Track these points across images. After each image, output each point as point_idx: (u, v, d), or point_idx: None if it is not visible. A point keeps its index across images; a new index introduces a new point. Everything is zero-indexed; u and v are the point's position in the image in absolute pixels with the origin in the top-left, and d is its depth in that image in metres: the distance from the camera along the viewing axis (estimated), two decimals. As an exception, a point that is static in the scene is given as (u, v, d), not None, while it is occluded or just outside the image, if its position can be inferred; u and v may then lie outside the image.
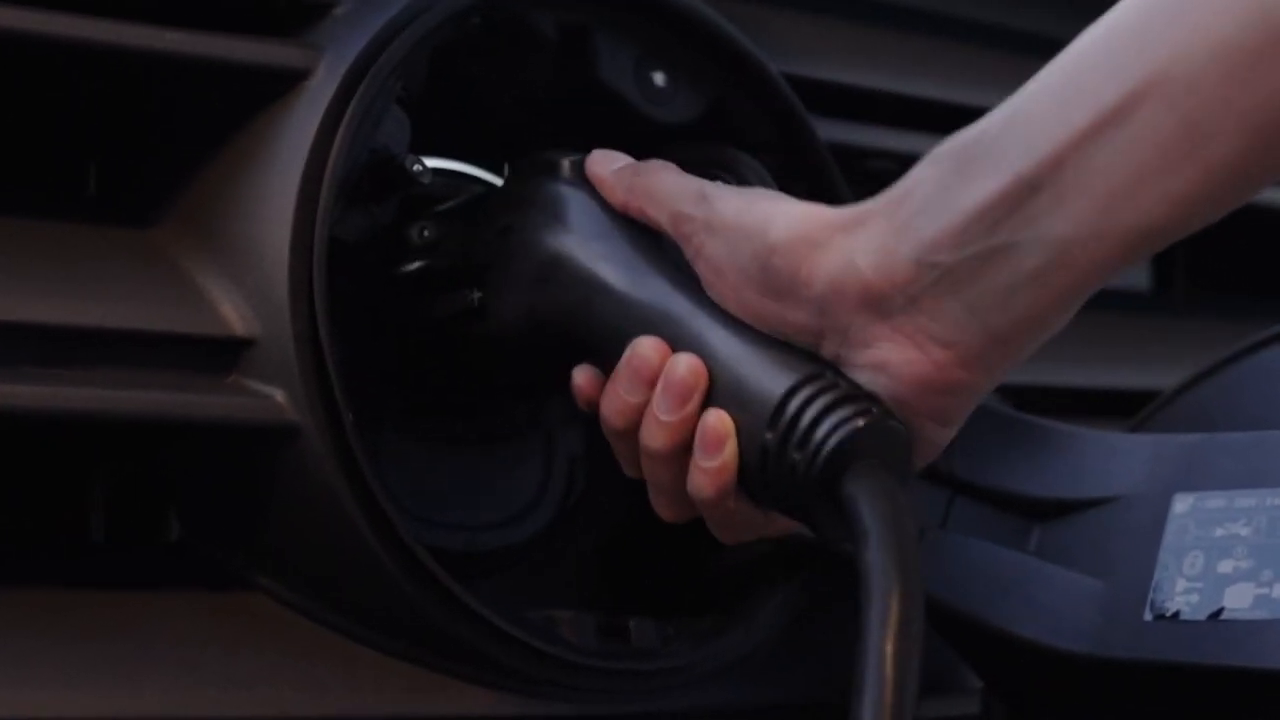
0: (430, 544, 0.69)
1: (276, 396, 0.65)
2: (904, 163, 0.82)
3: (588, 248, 0.67)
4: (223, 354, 0.65)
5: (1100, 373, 0.89)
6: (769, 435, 0.62)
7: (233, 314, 0.65)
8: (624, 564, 0.78)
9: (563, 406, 0.73)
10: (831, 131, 0.78)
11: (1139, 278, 1.02)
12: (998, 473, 0.74)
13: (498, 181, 0.75)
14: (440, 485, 0.73)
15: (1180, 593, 0.68)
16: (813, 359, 0.63)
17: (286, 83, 0.67)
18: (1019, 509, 0.73)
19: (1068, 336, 0.85)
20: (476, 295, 0.69)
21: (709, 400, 0.63)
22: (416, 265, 0.71)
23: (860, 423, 0.61)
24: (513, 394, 0.74)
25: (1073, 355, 0.87)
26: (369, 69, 0.66)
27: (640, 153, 0.72)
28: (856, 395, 0.61)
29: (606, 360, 0.66)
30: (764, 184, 0.73)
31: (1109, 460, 0.72)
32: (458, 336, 0.70)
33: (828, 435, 0.61)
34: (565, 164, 0.69)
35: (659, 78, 0.74)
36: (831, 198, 0.75)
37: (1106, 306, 0.89)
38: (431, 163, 0.72)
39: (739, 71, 0.75)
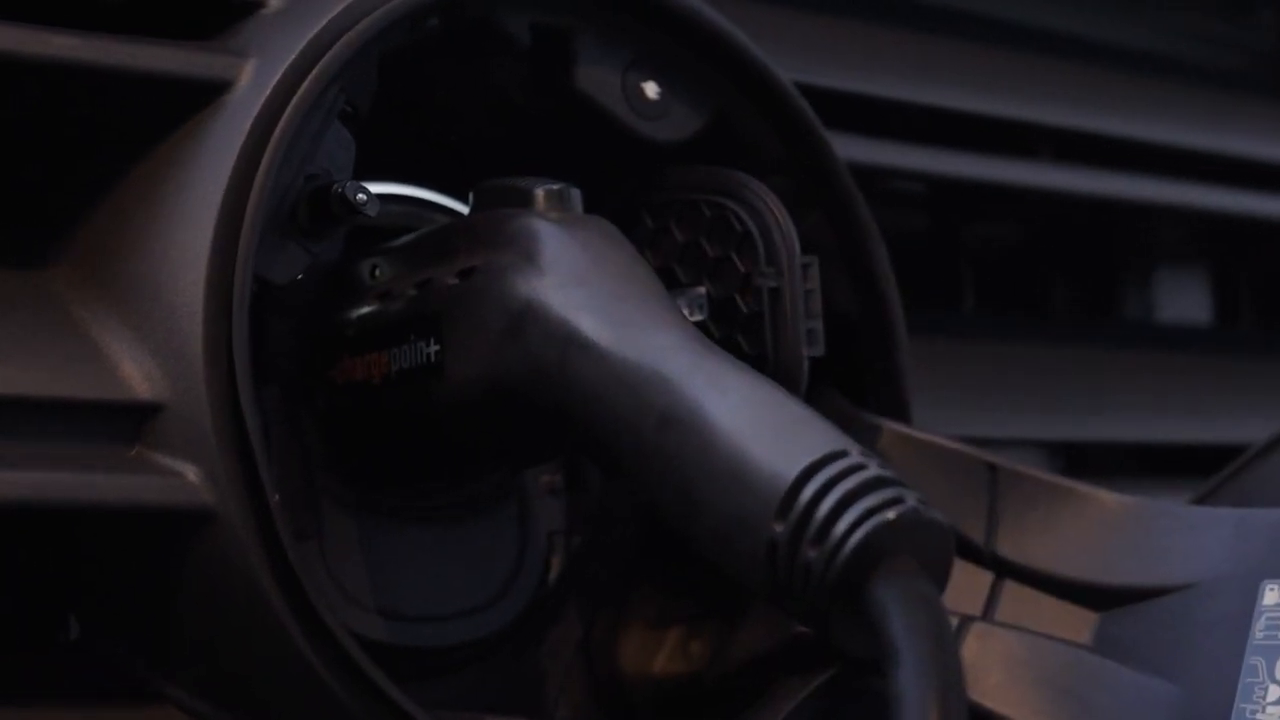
0: (386, 640, 0.65)
1: (188, 474, 0.59)
2: (934, 184, 0.86)
3: (565, 294, 0.61)
4: (124, 423, 0.59)
5: (1161, 425, 0.87)
6: (778, 528, 0.55)
7: (136, 374, 0.60)
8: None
9: (539, 474, 0.70)
10: (851, 149, 0.74)
11: (1199, 312, 0.99)
12: (1050, 553, 0.69)
13: (461, 210, 0.71)
14: (397, 570, 0.67)
15: (1273, 702, 0.63)
16: (836, 435, 0.56)
17: (204, 96, 0.61)
18: (1076, 596, 0.68)
19: (1122, 381, 0.89)
20: (434, 349, 0.63)
21: (704, 484, 0.56)
22: (364, 311, 0.66)
23: (890, 514, 0.54)
24: (479, 462, 0.68)
25: (1128, 404, 0.87)
26: (304, 79, 0.61)
27: (629, 176, 0.69)
28: (886, 480, 0.55)
29: (585, 432, 0.60)
30: (773, 212, 0.68)
31: (1183, 539, 0.67)
32: (412, 396, 0.64)
33: (850, 529, 0.54)
34: (539, 193, 0.64)
35: (651, 89, 0.69)
36: (851, 225, 0.71)
37: (1164, 345, 0.93)
38: (384, 189, 0.68)
39: (744, 80, 0.70)
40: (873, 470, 0.55)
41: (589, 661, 0.72)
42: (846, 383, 0.71)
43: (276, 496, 0.59)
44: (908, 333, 0.71)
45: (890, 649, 0.52)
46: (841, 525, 0.54)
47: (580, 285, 0.61)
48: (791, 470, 0.55)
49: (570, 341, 0.60)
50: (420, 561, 0.68)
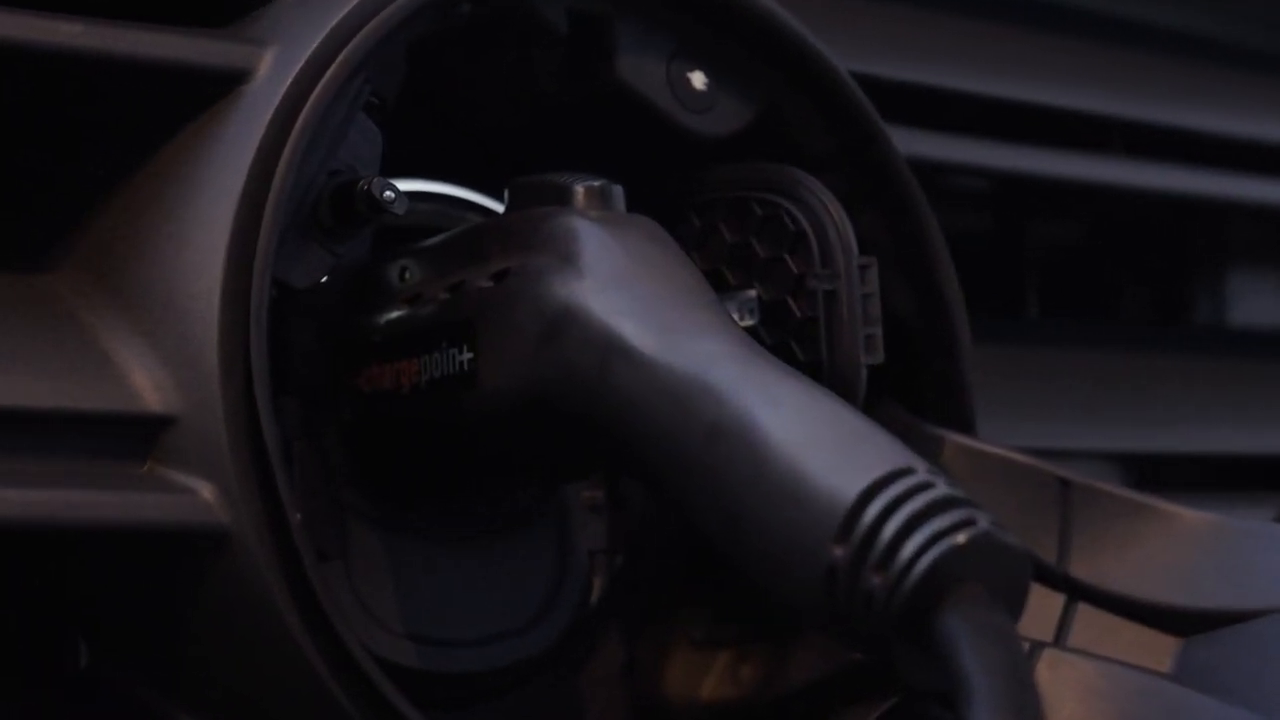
0: (416, 666, 0.64)
1: (202, 491, 0.57)
2: (999, 180, 0.85)
3: (606, 298, 0.59)
4: (134, 436, 0.58)
5: (1238, 435, 0.85)
6: (838, 551, 0.52)
7: (147, 384, 0.58)
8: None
9: (578, 490, 0.69)
10: (911, 144, 0.73)
11: (1276, 315, 0.98)
12: (1127, 574, 0.68)
13: (496, 208, 0.70)
14: (428, 592, 0.66)
15: (1368, 736, 0.62)
16: (900, 450, 0.54)
17: (220, 87, 0.60)
18: (1155, 620, 0.67)
19: (1196, 388, 0.87)
20: (466, 356, 0.62)
21: (756, 503, 0.54)
22: (393, 316, 0.64)
23: (961, 538, 0.51)
24: (515, 477, 0.67)
25: (1203, 413, 0.86)
26: (327, 68, 0.60)
27: (674, 172, 0.69)
28: (956, 500, 0.52)
29: (627, 445, 0.58)
30: (828, 210, 0.67)
31: (1270, 558, 0.67)
32: (443, 406, 0.63)
33: (917, 554, 0.51)
34: (579, 190, 0.62)
35: (697, 79, 0.68)
36: (911, 224, 0.70)
37: (1240, 350, 0.92)
38: (412, 185, 0.68)
39: (797, 70, 0.69)
40: (941, 489, 0.52)
41: (632, 687, 0.71)
42: (905, 392, 0.70)
43: (297, 515, 0.58)
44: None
45: (962, 686, 0.49)
46: (908, 549, 0.51)
47: (622, 288, 0.59)
48: (852, 489, 0.52)
49: (611, 348, 0.58)
50: (452, 582, 0.66)
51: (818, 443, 0.54)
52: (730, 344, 0.57)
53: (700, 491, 0.56)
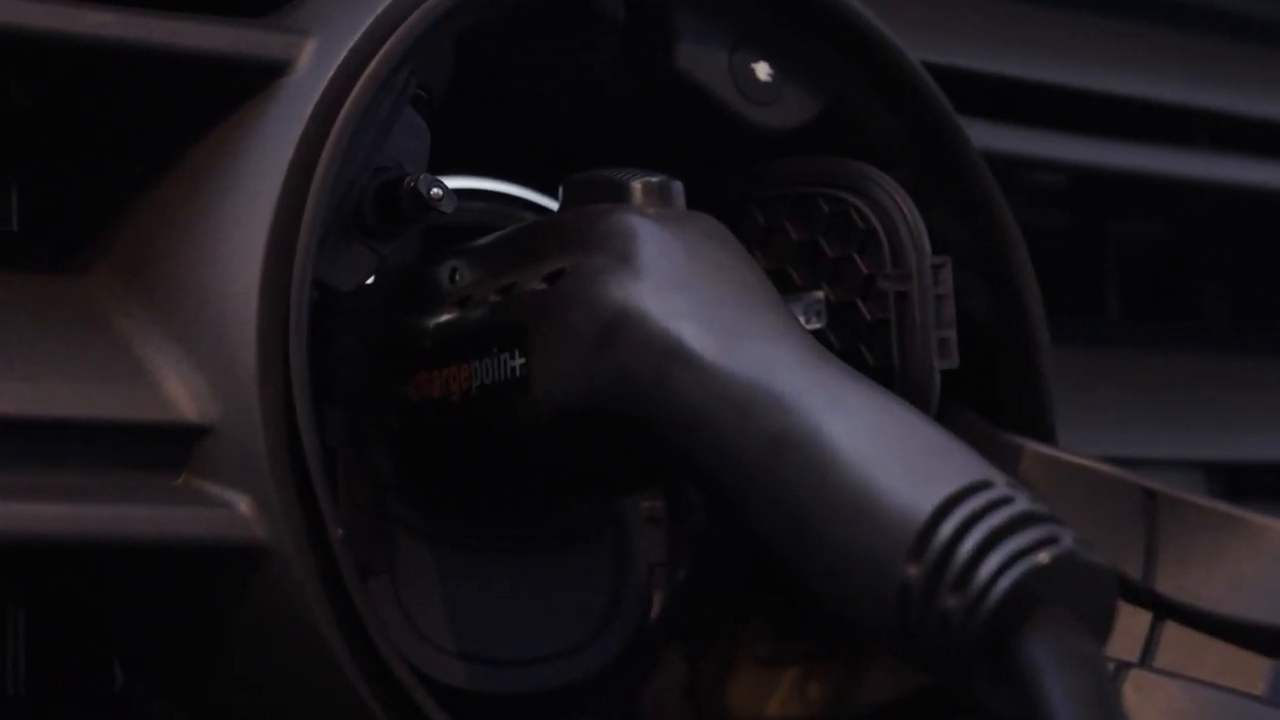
0: (467, 686, 0.64)
1: (240, 505, 0.56)
2: (1078, 176, 0.83)
3: (665, 301, 0.58)
4: (168, 447, 0.57)
5: None
6: (911, 570, 0.51)
7: (182, 391, 0.57)
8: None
9: (637, 501, 0.69)
10: (987, 137, 0.72)
11: None
12: (1216, 591, 0.67)
13: (550, 206, 0.69)
14: (480, 608, 0.65)
15: None
16: (977, 462, 0.52)
17: (259, 79, 0.59)
18: (1246, 640, 0.65)
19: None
20: (519, 361, 0.61)
21: (823, 517, 0.53)
22: (442, 319, 0.63)
23: (1043, 557, 0.49)
24: (570, 488, 0.66)
25: None
26: (371, 59, 0.59)
27: (737, 168, 0.68)
28: (1038, 516, 0.51)
29: (687, 455, 0.57)
30: (900, 207, 0.66)
31: None
32: (495, 414, 0.62)
33: (996, 574, 0.50)
34: (636, 187, 0.61)
35: (762, 70, 0.68)
36: (986, 221, 0.70)
37: None
38: (461, 183, 0.67)
39: (866, 61, 0.68)
40: (1021, 504, 0.51)
41: (695, 706, 0.69)
42: (980, 397, 0.69)
43: (340, 530, 0.56)
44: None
45: (1044, 716, 0.48)
46: (986, 569, 0.50)
47: (682, 290, 0.59)
48: (927, 503, 0.51)
49: (670, 353, 0.57)
50: (505, 599, 0.66)
51: (889, 453, 0.53)
52: (796, 348, 0.56)
53: (764, 504, 0.55)
